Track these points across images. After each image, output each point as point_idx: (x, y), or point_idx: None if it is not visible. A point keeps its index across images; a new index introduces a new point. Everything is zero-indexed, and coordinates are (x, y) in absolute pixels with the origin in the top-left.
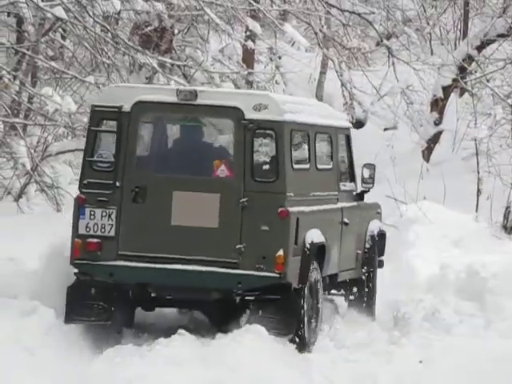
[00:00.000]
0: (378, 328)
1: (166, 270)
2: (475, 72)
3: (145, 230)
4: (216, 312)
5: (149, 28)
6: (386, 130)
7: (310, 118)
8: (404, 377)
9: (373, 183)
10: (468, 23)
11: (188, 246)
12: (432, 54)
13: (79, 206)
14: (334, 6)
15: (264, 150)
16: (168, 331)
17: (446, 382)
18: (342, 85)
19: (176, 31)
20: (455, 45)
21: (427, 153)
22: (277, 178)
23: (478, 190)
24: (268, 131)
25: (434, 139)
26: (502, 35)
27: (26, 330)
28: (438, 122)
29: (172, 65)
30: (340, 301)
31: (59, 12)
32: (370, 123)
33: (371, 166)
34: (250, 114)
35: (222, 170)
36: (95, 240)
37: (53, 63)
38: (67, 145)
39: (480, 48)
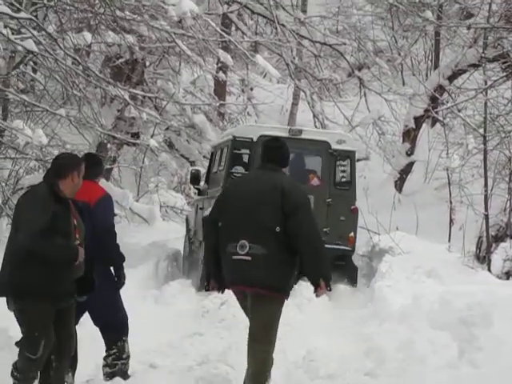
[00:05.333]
0: (351, 359)
1: None
2: (447, 102)
3: None
4: None
5: (120, 60)
6: (358, 160)
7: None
8: None
9: None
10: (439, 53)
11: None
12: (403, 84)
13: None
14: (305, 38)
15: (342, 168)
16: (143, 363)
17: None
18: (314, 116)
19: (147, 63)
20: (426, 75)
21: (400, 183)
22: (350, 187)
23: (451, 220)
24: (345, 157)
25: (407, 170)
26: (473, 65)
27: None
28: (410, 153)
29: (144, 97)
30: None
31: (30, 45)
32: None
33: None
34: (335, 146)
35: (315, 181)
36: None
37: (24, 96)
38: (38, 178)
39: (451, 78)
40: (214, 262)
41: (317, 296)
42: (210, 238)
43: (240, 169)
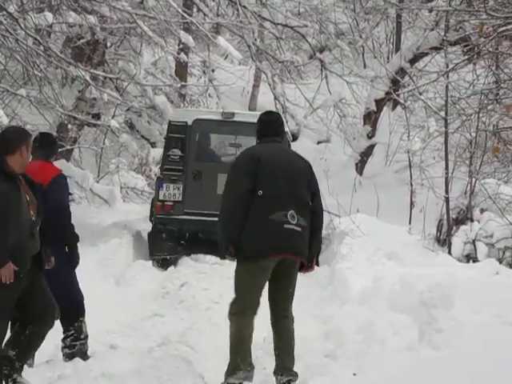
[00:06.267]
0: (311, 340)
1: (214, 222)
2: (408, 85)
3: (200, 197)
4: None
5: (81, 41)
6: (319, 143)
7: None
8: None
9: None
10: (401, 36)
11: None
12: (365, 67)
13: (160, 183)
14: (267, 19)
15: None
16: (103, 344)
17: None
18: (275, 98)
19: (108, 44)
20: (388, 58)
21: (360, 166)
22: None
23: (411, 203)
24: None
25: (367, 152)
26: (434, 48)
27: None
28: (370, 135)
29: (105, 78)
30: None
31: None
32: (303, 136)
33: None
34: None
35: None
36: (170, 203)
37: None
38: None
39: (413, 61)
40: (239, 230)
41: (304, 273)
42: (243, 206)
43: (177, 151)
